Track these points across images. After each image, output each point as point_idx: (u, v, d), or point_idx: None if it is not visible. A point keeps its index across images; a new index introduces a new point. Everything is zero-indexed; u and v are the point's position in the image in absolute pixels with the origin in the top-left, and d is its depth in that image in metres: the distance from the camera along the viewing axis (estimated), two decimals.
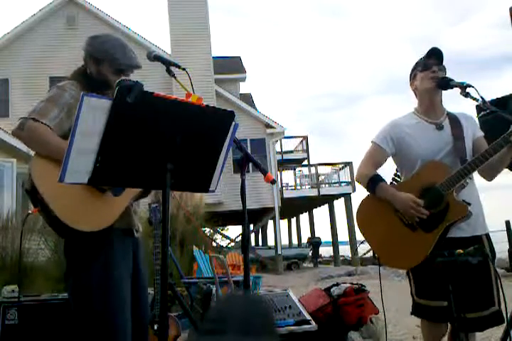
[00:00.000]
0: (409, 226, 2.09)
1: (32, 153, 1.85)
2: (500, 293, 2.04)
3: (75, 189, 1.70)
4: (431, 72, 2.14)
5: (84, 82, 2.00)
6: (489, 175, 2.16)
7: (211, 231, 12.32)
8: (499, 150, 1.94)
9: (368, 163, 2.26)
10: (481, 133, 2.23)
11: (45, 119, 1.81)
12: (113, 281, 1.87)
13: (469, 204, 2.00)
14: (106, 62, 2.00)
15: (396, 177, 2.33)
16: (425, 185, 2.08)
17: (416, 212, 2.03)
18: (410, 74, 2.27)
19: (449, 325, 2.14)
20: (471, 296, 1.99)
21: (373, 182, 2.17)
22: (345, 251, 21.30)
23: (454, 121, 2.19)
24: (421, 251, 2.02)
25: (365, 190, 2.23)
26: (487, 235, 2.17)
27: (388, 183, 2.28)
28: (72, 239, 1.91)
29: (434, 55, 2.17)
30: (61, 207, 1.72)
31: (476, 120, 2.30)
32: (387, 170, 2.33)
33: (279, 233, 16.48)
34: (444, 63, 2.20)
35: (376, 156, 2.27)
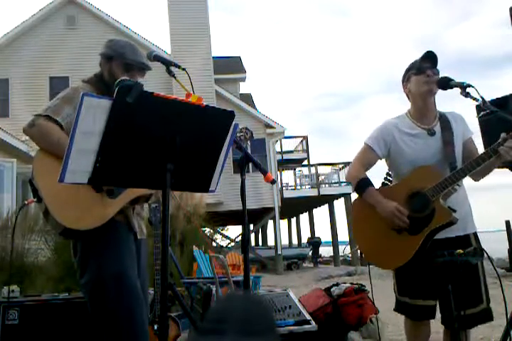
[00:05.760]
0: (395, 229, 2.14)
1: (32, 153, 1.90)
2: (487, 291, 2.09)
3: (72, 187, 1.71)
4: (425, 76, 2.15)
5: (96, 85, 2.07)
6: (476, 178, 2.20)
7: (211, 231, 12.31)
8: (487, 160, 1.98)
9: (359, 164, 2.29)
10: (471, 134, 2.27)
11: (58, 117, 1.89)
12: (124, 272, 1.90)
13: (455, 211, 2.04)
14: (115, 59, 2.07)
15: (388, 177, 2.36)
16: (413, 189, 2.12)
17: (398, 220, 2.09)
18: (403, 77, 2.28)
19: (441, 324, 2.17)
20: (460, 294, 2.01)
21: (361, 187, 2.22)
22: (345, 250, 21.29)
23: (445, 124, 2.21)
24: (406, 253, 2.08)
25: (354, 191, 2.28)
26: (475, 234, 2.21)
27: (381, 182, 2.33)
28: (75, 237, 1.94)
29: (429, 59, 2.17)
30: (54, 203, 1.77)
31: (465, 120, 2.31)
32: (380, 168, 2.35)
33: (279, 233, 16.47)
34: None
35: (367, 158, 2.29)
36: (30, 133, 1.89)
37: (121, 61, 2.06)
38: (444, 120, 2.23)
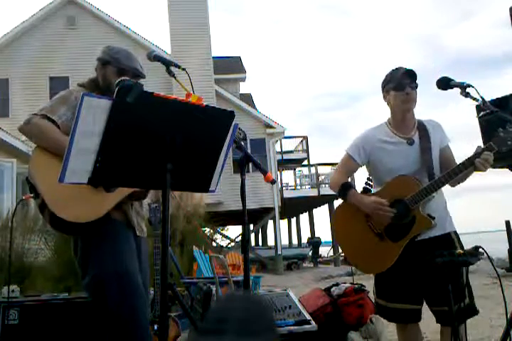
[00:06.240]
0: (378, 235, 2.23)
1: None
2: (469, 287, 2.13)
3: None
4: (404, 94, 2.19)
5: (90, 89, 2.10)
6: (453, 185, 2.26)
7: (211, 231, 12.31)
8: (463, 171, 2.06)
9: (341, 172, 2.40)
10: (448, 141, 2.32)
11: (55, 116, 1.92)
12: (126, 270, 1.91)
13: (433, 218, 2.13)
14: (110, 64, 2.10)
15: (369, 181, 2.41)
16: (394, 197, 2.19)
17: (382, 211, 2.16)
18: (383, 87, 2.31)
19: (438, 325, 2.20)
20: (441, 292, 2.03)
21: (344, 190, 2.29)
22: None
23: (423, 132, 2.27)
24: (387, 260, 2.17)
25: (338, 197, 2.35)
26: (455, 232, 2.27)
27: (362, 187, 2.39)
28: (72, 232, 1.96)
29: (409, 76, 2.21)
30: (52, 197, 1.79)
31: (443, 128, 2.36)
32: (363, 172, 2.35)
33: (279, 233, 16.46)
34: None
35: (348, 166, 2.38)
36: (25, 131, 1.91)
37: (116, 66, 2.09)
38: (422, 128, 2.28)
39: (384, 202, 2.17)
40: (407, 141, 2.26)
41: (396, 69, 2.27)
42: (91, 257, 1.93)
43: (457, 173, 2.06)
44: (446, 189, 2.23)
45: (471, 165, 2.03)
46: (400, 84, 2.20)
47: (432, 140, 2.25)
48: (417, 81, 2.23)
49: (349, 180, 2.42)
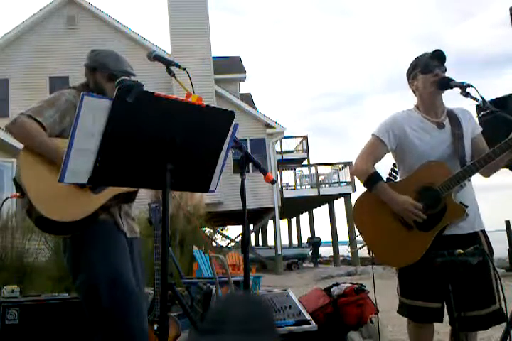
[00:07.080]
0: (406, 225, 2.10)
1: None
2: (501, 292, 2.03)
3: (56, 182, 1.74)
4: (433, 75, 2.11)
5: (82, 91, 2.10)
6: (486, 174, 2.17)
7: (211, 231, 12.31)
8: (500, 155, 1.95)
9: (367, 157, 2.21)
10: (479, 130, 2.22)
11: (40, 117, 1.91)
12: (118, 272, 1.90)
13: (467, 206, 2.02)
14: (99, 70, 2.11)
15: (393, 173, 2.30)
16: (423, 184, 2.08)
17: (414, 215, 2.05)
18: (409, 73, 2.23)
19: (447, 325, 2.13)
20: (471, 295, 1.98)
21: (372, 181, 2.15)
22: (345, 250, 21.32)
23: (454, 119, 2.17)
24: (417, 251, 2.04)
25: (363, 186, 2.21)
26: (483, 231, 2.16)
27: (385, 177, 2.26)
28: (58, 232, 1.96)
29: (437, 57, 2.13)
30: (38, 197, 1.80)
31: (474, 116, 2.27)
32: (384, 163, 2.31)
33: (279, 233, 16.47)
34: (445, 63, 2.18)
35: (376, 150, 2.22)
36: (11, 130, 1.92)
37: (105, 71, 2.10)
38: (452, 115, 2.19)
39: (419, 205, 2.04)
40: (437, 125, 2.16)
41: (423, 54, 2.18)
42: (81, 260, 1.93)
43: (493, 157, 1.95)
44: None
45: (508, 148, 1.93)
46: (428, 67, 2.12)
47: (464, 128, 2.15)
48: (445, 63, 2.13)
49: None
